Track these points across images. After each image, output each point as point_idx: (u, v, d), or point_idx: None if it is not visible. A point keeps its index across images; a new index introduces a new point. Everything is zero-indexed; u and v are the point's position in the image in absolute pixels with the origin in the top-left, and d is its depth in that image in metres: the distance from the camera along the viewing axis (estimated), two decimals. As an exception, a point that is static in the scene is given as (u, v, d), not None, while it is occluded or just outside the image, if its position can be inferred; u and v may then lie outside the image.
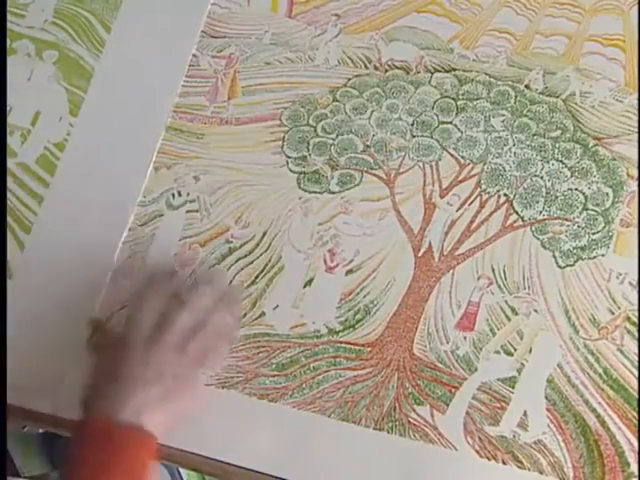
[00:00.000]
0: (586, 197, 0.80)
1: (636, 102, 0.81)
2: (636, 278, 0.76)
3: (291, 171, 0.85)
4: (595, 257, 0.78)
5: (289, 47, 0.89)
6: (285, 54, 0.89)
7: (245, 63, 0.89)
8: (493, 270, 0.79)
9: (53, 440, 1.19)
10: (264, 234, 0.84)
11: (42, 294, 0.82)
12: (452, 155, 0.84)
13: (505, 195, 0.81)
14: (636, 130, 0.80)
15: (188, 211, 0.85)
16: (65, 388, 0.79)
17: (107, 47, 0.90)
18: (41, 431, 1.07)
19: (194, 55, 0.90)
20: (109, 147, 0.86)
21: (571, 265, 0.78)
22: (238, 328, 0.78)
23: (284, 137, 0.86)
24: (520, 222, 0.81)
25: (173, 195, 0.85)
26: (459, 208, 0.82)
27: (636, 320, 0.75)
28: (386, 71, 0.87)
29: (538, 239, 0.80)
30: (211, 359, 0.74)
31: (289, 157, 0.86)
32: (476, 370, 0.77)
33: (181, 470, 1.15)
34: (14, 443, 1.17)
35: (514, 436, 0.75)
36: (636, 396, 0.73)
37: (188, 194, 0.85)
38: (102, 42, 0.91)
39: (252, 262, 0.83)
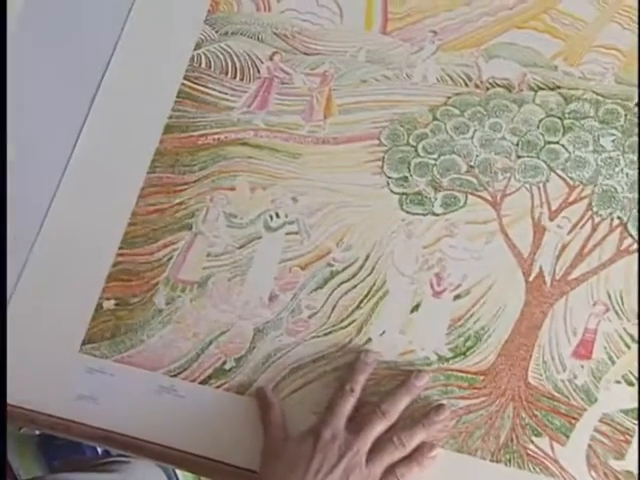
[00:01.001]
0: None
1: None
2: None
3: (392, 192, 0.83)
4: None
5: (385, 64, 0.87)
6: (381, 72, 0.87)
7: (340, 81, 0.87)
8: (609, 296, 0.77)
9: (50, 442, 1.18)
10: (367, 257, 0.81)
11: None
12: (560, 176, 0.81)
13: (618, 218, 0.79)
14: None
15: (288, 233, 0.82)
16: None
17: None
18: (37, 433, 1.06)
19: (287, 73, 0.88)
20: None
21: (692, 290, 0.75)
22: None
23: (384, 157, 0.84)
24: (635, 246, 0.78)
25: (271, 217, 0.83)
26: (570, 231, 0.79)
27: None
28: (487, 89, 0.85)
29: (656, 263, 0.77)
30: None
31: (390, 178, 0.83)
32: (596, 400, 0.74)
33: (177, 472, 1.13)
34: (12, 445, 1.16)
35: (641, 471, 0.72)
36: None
37: (287, 215, 0.83)
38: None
39: (355, 286, 0.81)
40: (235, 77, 0.89)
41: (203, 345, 0.80)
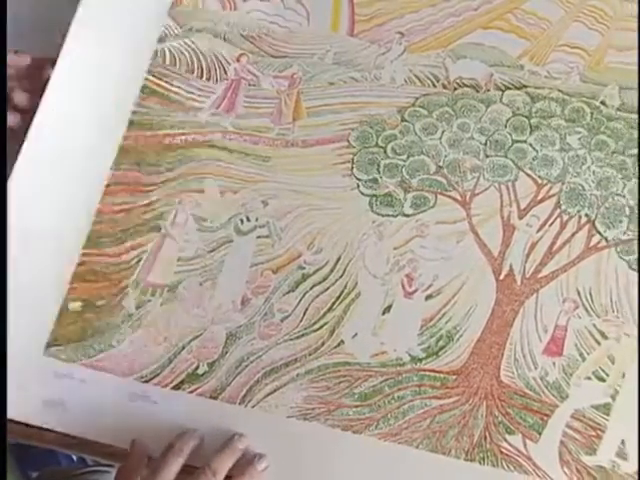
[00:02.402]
0: (671, 215, 0.78)
1: None
2: None
3: (362, 194, 0.83)
4: (684, 277, 0.76)
5: (353, 66, 0.87)
6: (349, 74, 0.87)
7: (308, 84, 0.87)
8: (579, 293, 0.77)
9: (26, 451, 1.16)
10: (338, 259, 0.81)
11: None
12: (528, 175, 0.82)
13: (586, 215, 0.79)
14: None
15: (258, 237, 0.82)
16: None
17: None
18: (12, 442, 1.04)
19: (255, 75, 0.87)
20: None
21: (661, 286, 0.76)
22: None
23: (353, 159, 0.84)
24: (604, 243, 0.79)
25: (242, 220, 0.83)
26: (539, 229, 0.80)
27: None
28: (455, 89, 0.85)
29: (624, 260, 0.78)
30: None
31: (359, 179, 0.83)
32: (567, 397, 0.75)
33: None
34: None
35: (613, 466, 0.73)
36: None
37: (257, 219, 0.83)
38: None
39: (327, 289, 0.81)
40: (202, 77, 0.88)
41: (175, 350, 0.80)
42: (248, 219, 0.83)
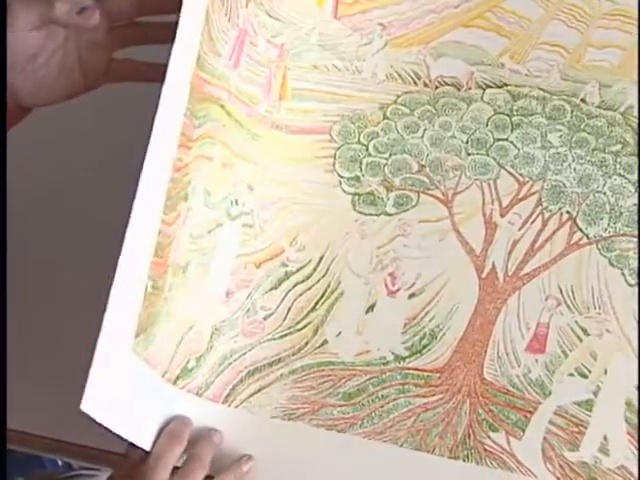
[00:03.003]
0: (652, 212, 0.79)
1: None
2: None
3: (345, 192, 0.83)
4: (666, 273, 0.77)
5: (336, 53, 0.86)
6: (332, 60, 0.86)
7: (295, 60, 0.85)
8: (561, 290, 0.78)
9: (10, 456, 1.15)
10: (321, 258, 0.81)
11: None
12: (510, 173, 0.82)
13: (568, 212, 0.80)
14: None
15: (243, 225, 0.81)
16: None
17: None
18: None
19: (255, 32, 0.81)
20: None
21: (642, 283, 0.77)
22: None
23: (335, 154, 0.84)
24: (585, 240, 0.79)
25: (231, 202, 0.81)
26: (521, 227, 0.80)
27: None
28: (436, 88, 0.85)
29: (605, 257, 0.78)
30: None
31: (342, 177, 0.83)
32: (550, 394, 0.75)
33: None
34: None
35: (596, 462, 0.73)
36: None
37: (244, 204, 0.81)
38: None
39: (310, 287, 0.80)
40: (225, 14, 0.77)
41: (179, 341, 0.78)
42: (237, 202, 0.81)
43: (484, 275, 0.80)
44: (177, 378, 0.78)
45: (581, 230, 0.80)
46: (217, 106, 0.78)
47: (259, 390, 0.79)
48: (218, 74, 0.78)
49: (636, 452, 0.74)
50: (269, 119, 0.83)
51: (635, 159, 0.81)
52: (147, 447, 0.72)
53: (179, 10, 0.71)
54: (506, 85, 0.85)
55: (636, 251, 0.79)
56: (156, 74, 0.71)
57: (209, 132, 0.77)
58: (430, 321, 0.79)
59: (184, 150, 0.72)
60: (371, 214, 0.82)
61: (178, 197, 0.73)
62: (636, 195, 0.80)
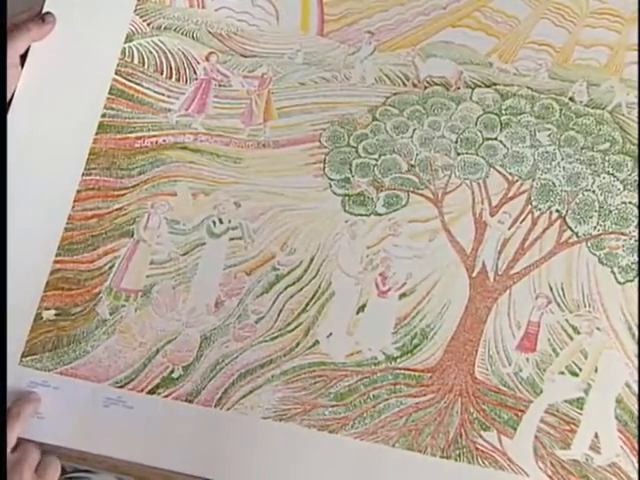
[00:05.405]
0: (640, 210, 0.79)
1: None
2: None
3: (335, 194, 0.83)
4: (654, 271, 0.77)
5: (323, 66, 0.87)
6: (319, 74, 0.87)
7: (279, 84, 0.87)
8: (551, 288, 0.78)
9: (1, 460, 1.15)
10: (312, 260, 0.81)
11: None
12: (499, 172, 0.82)
13: (557, 211, 0.80)
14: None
15: (231, 239, 0.82)
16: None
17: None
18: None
19: (224, 75, 0.87)
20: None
21: (631, 280, 0.77)
22: None
23: (325, 159, 0.84)
24: (575, 238, 0.79)
25: (214, 222, 0.82)
26: (511, 226, 0.80)
27: None
28: (425, 88, 0.85)
29: (595, 255, 0.78)
30: None
31: (332, 179, 0.83)
32: (541, 392, 0.75)
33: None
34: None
35: (587, 459, 0.73)
36: None
37: (230, 221, 0.82)
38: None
39: (301, 289, 0.80)
40: (171, 77, 0.87)
41: (150, 354, 0.79)
42: (221, 221, 0.83)
43: (474, 274, 0.80)
44: (156, 387, 0.79)
45: (570, 228, 0.80)
46: (173, 150, 0.85)
47: (251, 392, 0.79)
48: (169, 126, 0.86)
49: (627, 449, 0.73)
50: (254, 141, 0.84)
51: (623, 157, 0.81)
52: None
53: None
54: (495, 84, 0.85)
55: (625, 249, 0.78)
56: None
57: (161, 174, 0.85)
58: (421, 321, 0.79)
59: (100, 200, 0.85)
60: (361, 214, 0.82)
61: (104, 238, 0.84)
62: (624, 193, 0.80)
